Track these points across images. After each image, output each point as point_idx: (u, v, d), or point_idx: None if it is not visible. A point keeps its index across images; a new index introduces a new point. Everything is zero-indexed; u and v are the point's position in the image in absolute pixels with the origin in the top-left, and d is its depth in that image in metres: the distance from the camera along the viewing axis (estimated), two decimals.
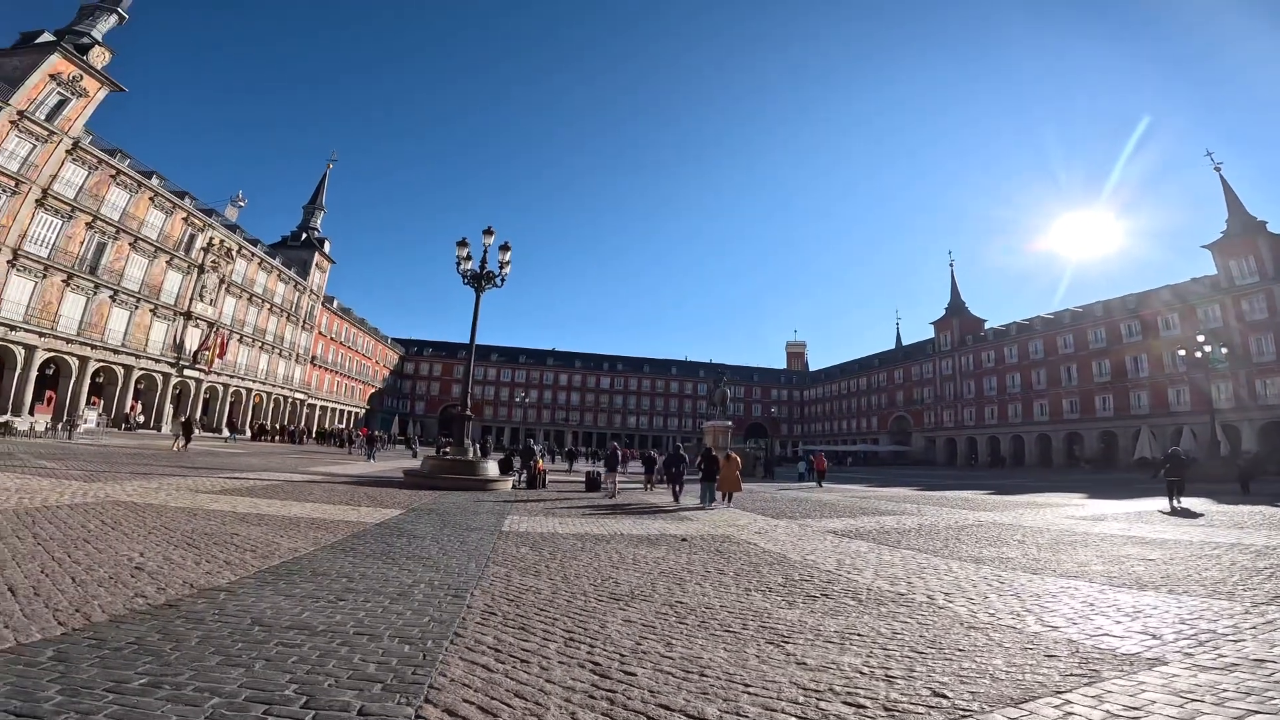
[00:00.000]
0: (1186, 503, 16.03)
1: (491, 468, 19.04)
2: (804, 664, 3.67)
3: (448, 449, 21.93)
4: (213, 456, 23.01)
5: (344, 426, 61.23)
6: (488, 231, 19.24)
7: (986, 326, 73.17)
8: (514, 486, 18.74)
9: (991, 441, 65.69)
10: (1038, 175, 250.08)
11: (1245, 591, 5.54)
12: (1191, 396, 46.23)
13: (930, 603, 5.37)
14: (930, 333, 78.44)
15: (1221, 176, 48.99)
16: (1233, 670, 3.36)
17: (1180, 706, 2.86)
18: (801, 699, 3.13)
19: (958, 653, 3.90)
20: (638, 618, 4.70)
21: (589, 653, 3.81)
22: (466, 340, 21.01)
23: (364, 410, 78.77)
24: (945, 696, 3.13)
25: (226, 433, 47.19)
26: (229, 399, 50.92)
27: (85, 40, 35.52)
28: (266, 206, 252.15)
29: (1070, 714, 2.87)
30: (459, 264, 18.99)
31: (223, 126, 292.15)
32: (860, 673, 3.52)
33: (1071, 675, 3.40)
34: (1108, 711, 2.85)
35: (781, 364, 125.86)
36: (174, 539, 6.81)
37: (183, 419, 31.69)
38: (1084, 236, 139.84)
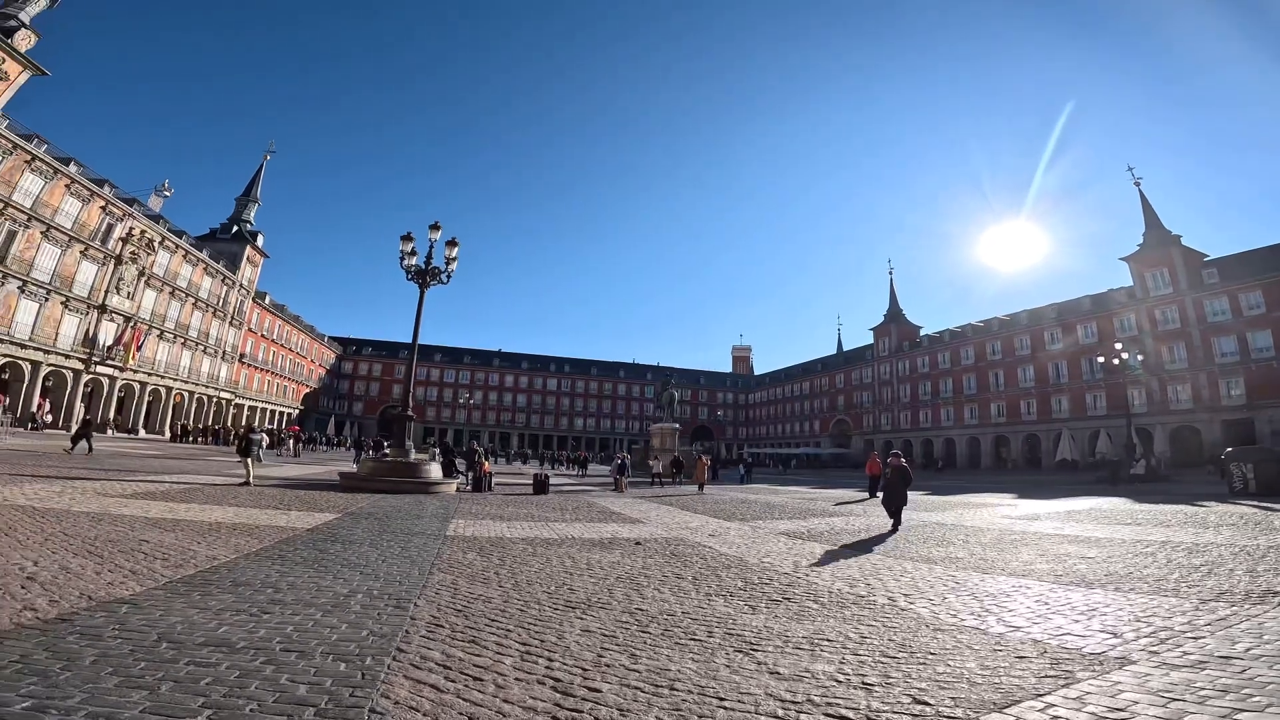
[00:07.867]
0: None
1: (434, 470, 18.32)
2: (777, 673, 3.48)
3: (387, 451, 21.04)
4: (125, 458, 21.32)
5: (271, 427, 58.20)
6: (434, 227, 18.58)
7: (922, 333, 76.03)
8: (458, 489, 18.17)
9: (925, 444, 68.11)
10: (968, 188, 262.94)
11: (1189, 589, 5.69)
12: (1108, 401, 49.11)
13: (892, 604, 5.30)
14: (870, 339, 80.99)
15: (1140, 191, 52.16)
16: (1203, 668, 3.35)
17: (1163, 706, 2.80)
18: (780, 712, 2.92)
19: (930, 656, 3.79)
20: (597, 627, 4.42)
21: (548, 667, 3.51)
22: (408, 339, 20.26)
23: (298, 410, 75.36)
24: (927, 704, 2.99)
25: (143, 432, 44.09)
26: (147, 397, 47.65)
27: (11, 24, 33.14)
28: (198, 200, 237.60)
29: (1056, 718, 2.76)
30: (402, 259, 18.35)
31: (155, 116, 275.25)
32: (836, 680, 3.35)
33: (1046, 677, 3.33)
34: (1093, 714, 2.77)
35: (728, 367, 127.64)
36: (74, 546, 6.10)
37: (85, 416, 29.45)
38: (1013, 247, 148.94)
